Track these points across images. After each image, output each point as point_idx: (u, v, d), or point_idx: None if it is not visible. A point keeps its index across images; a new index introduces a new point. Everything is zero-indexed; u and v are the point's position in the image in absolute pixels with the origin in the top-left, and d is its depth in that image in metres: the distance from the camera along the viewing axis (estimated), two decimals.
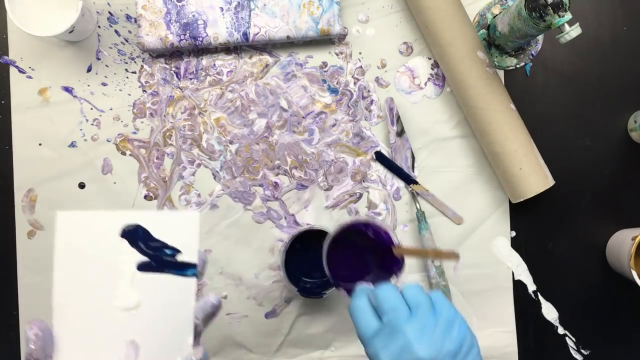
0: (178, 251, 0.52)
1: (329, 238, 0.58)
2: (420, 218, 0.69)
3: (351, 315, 0.46)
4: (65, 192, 0.70)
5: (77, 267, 0.51)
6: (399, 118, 0.69)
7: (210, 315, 0.53)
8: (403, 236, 0.70)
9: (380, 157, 0.60)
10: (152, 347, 0.51)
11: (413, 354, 0.41)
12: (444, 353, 0.41)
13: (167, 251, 0.52)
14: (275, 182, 0.70)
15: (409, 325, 0.42)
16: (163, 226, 0.52)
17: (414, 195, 0.70)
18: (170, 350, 0.51)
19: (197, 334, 0.52)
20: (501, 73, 0.70)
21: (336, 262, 0.58)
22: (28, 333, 0.48)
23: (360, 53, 0.71)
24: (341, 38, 0.71)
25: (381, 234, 0.58)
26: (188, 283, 0.52)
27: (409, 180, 0.60)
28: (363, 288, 0.48)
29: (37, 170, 0.70)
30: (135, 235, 0.51)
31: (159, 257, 0.52)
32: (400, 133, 0.69)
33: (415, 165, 0.70)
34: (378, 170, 0.70)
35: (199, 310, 0.52)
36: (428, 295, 0.45)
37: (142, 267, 0.51)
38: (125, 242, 0.51)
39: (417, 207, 0.70)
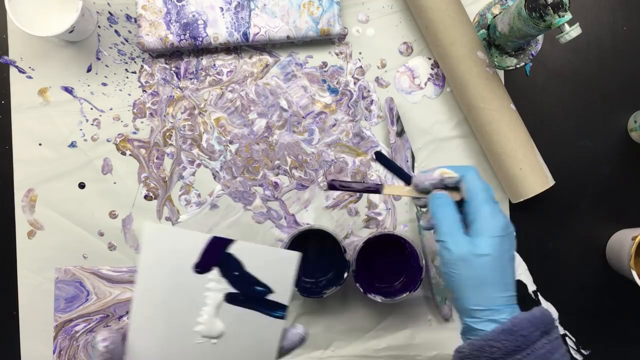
0: (270, 290, 0.49)
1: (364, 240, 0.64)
2: (421, 218, 0.69)
3: (469, 180, 0.52)
4: (65, 192, 0.70)
5: (161, 285, 0.47)
6: (398, 118, 0.69)
7: (295, 346, 0.50)
8: None
9: (380, 157, 0.60)
10: None
11: (507, 220, 0.50)
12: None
13: (258, 288, 0.48)
14: (275, 182, 0.70)
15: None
16: (258, 260, 0.48)
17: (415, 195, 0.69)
18: None
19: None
20: (501, 73, 0.70)
21: (363, 260, 0.65)
22: (98, 345, 0.45)
23: (360, 53, 0.71)
24: (341, 38, 0.71)
25: (412, 254, 0.65)
26: (275, 324, 0.49)
27: (409, 180, 0.61)
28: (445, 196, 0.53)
29: (37, 170, 0.70)
30: (227, 265, 0.48)
31: (248, 292, 0.48)
32: (400, 133, 0.69)
33: (415, 165, 0.70)
34: (378, 170, 0.70)
35: (285, 339, 0.50)
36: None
37: (229, 299, 0.48)
38: (216, 269, 0.47)
39: (417, 208, 0.70)
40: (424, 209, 0.61)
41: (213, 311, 0.48)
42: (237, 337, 0.49)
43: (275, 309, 0.49)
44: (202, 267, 0.47)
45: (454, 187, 0.53)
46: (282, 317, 0.49)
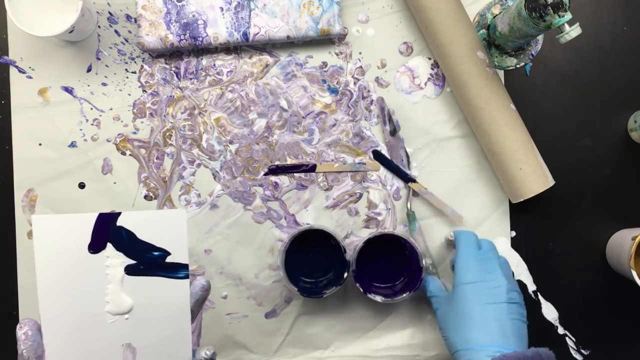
0: (167, 253, 0.49)
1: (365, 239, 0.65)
2: (411, 218, 0.69)
3: (458, 239, 0.63)
4: (65, 192, 0.70)
5: (62, 273, 0.48)
6: (390, 118, 0.69)
7: (200, 297, 0.51)
8: None
9: (378, 156, 0.61)
10: (150, 349, 0.50)
11: (494, 273, 0.59)
12: (512, 286, 0.60)
13: (156, 253, 0.49)
14: (275, 182, 0.70)
15: (499, 262, 0.61)
16: (148, 226, 0.49)
17: (409, 195, 0.70)
18: (168, 352, 0.50)
19: (193, 318, 0.51)
20: (501, 73, 0.70)
21: (363, 261, 0.66)
22: (18, 333, 0.47)
23: (360, 53, 0.71)
24: (341, 38, 0.71)
25: (412, 254, 0.66)
26: (181, 285, 0.50)
27: (407, 178, 0.62)
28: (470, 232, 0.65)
29: (37, 170, 0.70)
30: (119, 238, 0.48)
31: (147, 259, 0.49)
32: (393, 132, 0.69)
33: (411, 163, 0.70)
34: (378, 169, 0.70)
35: (190, 297, 0.51)
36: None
37: (130, 270, 0.49)
38: (110, 245, 0.48)
39: (407, 207, 0.70)
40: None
41: (117, 287, 0.49)
42: (147, 307, 0.49)
43: (177, 270, 0.49)
44: (95, 246, 0.48)
45: None
46: (185, 277, 0.49)
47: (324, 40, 0.70)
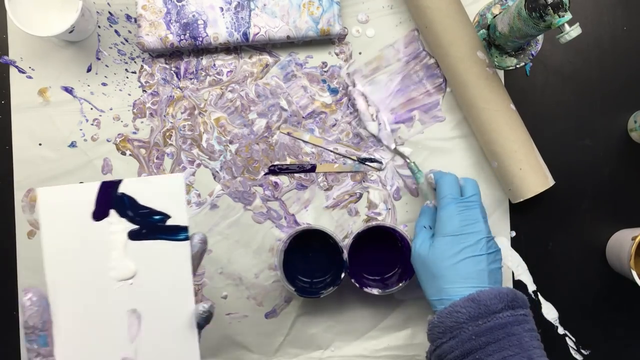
0: (167, 216, 0.51)
1: (355, 234, 0.66)
2: (414, 169, 0.67)
3: (440, 184, 0.61)
4: None
5: (67, 242, 0.50)
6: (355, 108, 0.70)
7: (199, 252, 0.53)
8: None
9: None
10: (154, 313, 0.51)
11: (477, 224, 0.59)
12: (491, 237, 0.60)
13: (156, 217, 0.51)
14: (275, 182, 0.70)
15: (481, 211, 0.60)
16: (148, 192, 0.51)
17: (401, 154, 0.69)
18: (172, 315, 0.51)
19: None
20: (501, 73, 0.70)
21: (356, 255, 0.66)
22: (23, 300, 0.48)
23: (360, 53, 0.71)
24: (341, 38, 0.71)
25: (404, 243, 0.66)
26: (182, 246, 0.51)
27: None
28: (452, 174, 0.63)
29: (37, 170, 0.70)
30: (122, 204, 0.50)
31: (148, 224, 0.51)
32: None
33: (399, 139, 0.70)
34: (379, 167, 0.70)
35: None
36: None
37: (133, 235, 0.51)
38: (113, 211, 0.50)
39: (407, 161, 0.68)
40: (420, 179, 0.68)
41: (121, 253, 0.50)
42: (150, 271, 0.51)
43: (177, 232, 0.51)
44: (99, 213, 0.50)
45: None
46: (185, 239, 0.51)
47: (324, 40, 0.70)
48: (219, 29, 0.68)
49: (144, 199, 0.51)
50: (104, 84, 0.70)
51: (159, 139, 0.70)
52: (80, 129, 0.70)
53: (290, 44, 0.71)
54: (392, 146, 0.68)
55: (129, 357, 0.51)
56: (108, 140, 0.70)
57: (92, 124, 0.70)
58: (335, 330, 0.71)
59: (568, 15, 0.56)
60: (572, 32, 0.56)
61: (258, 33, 0.68)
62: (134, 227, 0.51)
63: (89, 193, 0.50)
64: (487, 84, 0.66)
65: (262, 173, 0.70)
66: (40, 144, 0.70)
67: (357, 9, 0.71)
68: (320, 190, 0.70)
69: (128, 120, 0.70)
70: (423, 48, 0.71)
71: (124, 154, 0.70)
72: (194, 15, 0.68)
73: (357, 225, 0.70)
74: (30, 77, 0.70)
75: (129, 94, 0.70)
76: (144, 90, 0.70)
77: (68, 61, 0.70)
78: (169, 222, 0.51)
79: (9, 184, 0.70)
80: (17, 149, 0.70)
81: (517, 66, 0.70)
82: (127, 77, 0.70)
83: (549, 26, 0.57)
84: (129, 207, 0.51)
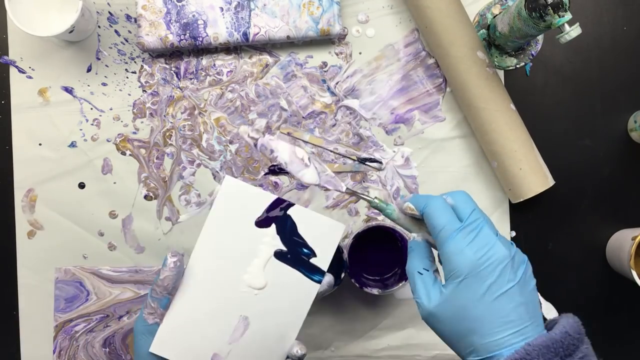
0: (314, 255, 0.55)
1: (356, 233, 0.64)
2: (382, 206, 0.51)
3: (430, 215, 0.47)
4: (65, 192, 0.70)
5: (225, 232, 0.54)
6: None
7: (320, 294, 0.56)
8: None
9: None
10: (260, 330, 0.55)
11: (494, 248, 0.45)
12: (513, 251, 0.47)
13: (305, 250, 0.55)
14: (275, 182, 0.70)
15: (489, 227, 0.47)
16: (310, 225, 0.55)
17: (359, 195, 0.55)
18: (274, 337, 0.55)
19: None
20: (501, 73, 0.70)
21: (356, 255, 0.66)
22: (169, 260, 0.52)
23: (360, 53, 0.71)
24: (341, 38, 0.71)
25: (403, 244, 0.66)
26: (311, 287, 0.55)
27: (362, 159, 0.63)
28: (437, 197, 0.48)
29: (37, 170, 0.70)
30: (284, 224, 0.54)
31: (296, 252, 0.54)
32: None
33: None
34: (378, 169, 0.70)
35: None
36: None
37: (278, 255, 0.54)
38: (273, 226, 0.54)
39: (369, 199, 0.52)
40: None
41: (262, 263, 0.54)
42: (276, 293, 0.54)
43: (315, 273, 0.55)
44: (263, 222, 0.54)
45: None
46: (319, 282, 0.55)
47: (324, 40, 0.70)
48: (219, 29, 0.68)
49: (302, 229, 0.54)
50: (104, 84, 0.70)
51: (159, 139, 0.70)
52: (80, 129, 0.70)
53: (290, 44, 0.71)
54: (343, 188, 0.68)
55: (220, 356, 0.54)
56: (108, 140, 0.70)
57: (92, 124, 0.70)
58: (335, 330, 0.71)
59: (568, 15, 0.56)
60: (572, 32, 0.56)
61: (258, 33, 0.68)
62: (283, 248, 0.54)
63: (263, 201, 0.54)
64: (487, 84, 0.66)
65: (262, 173, 0.70)
66: (40, 144, 0.70)
67: (357, 9, 0.71)
68: (320, 190, 0.70)
69: (128, 120, 0.70)
70: (423, 48, 0.71)
71: (124, 154, 0.70)
72: (194, 15, 0.68)
73: (357, 225, 0.70)
74: (30, 77, 0.70)
75: (129, 94, 0.70)
76: (144, 90, 0.70)
77: (68, 61, 0.70)
78: (313, 260, 0.55)
79: (9, 184, 0.70)
80: (17, 149, 0.70)
81: (517, 66, 0.70)
82: (127, 77, 0.70)
83: (549, 26, 0.57)
84: (287, 230, 0.54)
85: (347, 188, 0.67)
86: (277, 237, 0.54)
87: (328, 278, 0.56)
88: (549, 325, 0.47)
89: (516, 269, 0.46)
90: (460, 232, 0.45)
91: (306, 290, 0.55)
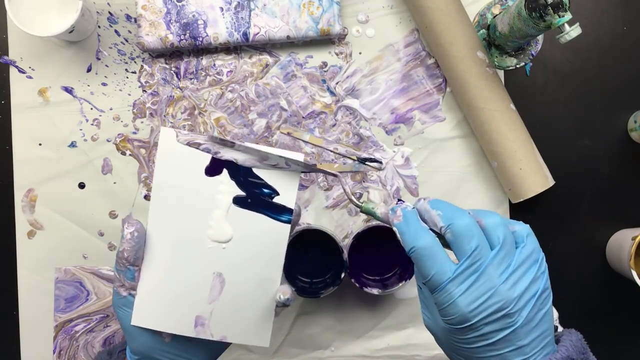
0: (277, 193, 0.50)
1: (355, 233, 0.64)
2: (368, 209, 0.47)
3: (418, 258, 0.40)
4: (65, 192, 0.70)
5: (175, 188, 0.50)
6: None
7: (291, 225, 0.51)
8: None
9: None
10: (238, 282, 0.51)
11: (500, 295, 0.37)
12: (529, 295, 0.38)
13: (265, 190, 0.50)
14: None
15: (494, 266, 0.38)
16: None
17: (355, 203, 0.49)
18: (255, 289, 0.51)
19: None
20: (501, 73, 0.70)
21: (356, 255, 0.65)
22: (125, 231, 0.48)
23: (360, 53, 0.71)
24: (341, 38, 0.71)
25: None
26: (281, 228, 0.50)
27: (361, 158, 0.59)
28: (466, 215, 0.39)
29: (37, 170, 0.70)
30: (235, 167, 0.49)
31: (256, 195, 0.50)
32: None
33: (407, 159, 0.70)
34: (379, 170, 0.70)
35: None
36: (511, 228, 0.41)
37: (237, 201, 0.50)
38: (225, 171, 0.49)
39: (358, 204, 0.48)
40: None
41: (223, 214, 0.49)
42: (245, 242, 0.50)
43: (281, 213, 0.50)
44: (212, 170, 0.49)
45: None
46: (287, 222, 0.50)
47: (324, 40, 0.70)
48: (219, 29, 0.68)
49: (259, 169, 0.50)
50: (104, 84, 0.70)
51: (159, 139, 0.70)
52: (80, 129, 0.70)
53: (290, 44, 0.71)
54: (301, 158, 0.55)
55: (203, 317, 0.50)
56: (108, 140, 0.70)
57: (92, 124, 0.70)
58: (335, 330, 0.71)
59: (568, 15, 0.56)
60: (572, 32, 0.56)
61: (258, 33, 0.68)
62: (241, 193, 0.49)
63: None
64: (487, 84, 0.66)
65: None
66: (40, 144, 0.70)
67: (357, 9, 0.71)
68: (320, 190, 0.70)
69: (128, 120, 0.70)
70: (423, 48, 0.71)
71: (124, 154, 0.70)
72: (194, 15, 0.68)
73: (357, 225, 0.70)
74: (30, 77, 0.70)
75: (129, 94, 0.70)
76: (144, 90, 0.70)
77: (68, 61, 0.70)
78: (276, 199, 0.49)
79: (9, 184, 0.70)
80: (17, 149, 0.70)
81: (517, 66, 0.70)
82: (127, 77, 0.70)
83: (549, 26, 0.57)
84: (241, 172, 0.49)
85: (307, 161, 0.60)
86: (232, 182, 0.49)
87: (297, 209, 0.51)
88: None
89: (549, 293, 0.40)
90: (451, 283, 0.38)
91: (277, 232, 0.50)
